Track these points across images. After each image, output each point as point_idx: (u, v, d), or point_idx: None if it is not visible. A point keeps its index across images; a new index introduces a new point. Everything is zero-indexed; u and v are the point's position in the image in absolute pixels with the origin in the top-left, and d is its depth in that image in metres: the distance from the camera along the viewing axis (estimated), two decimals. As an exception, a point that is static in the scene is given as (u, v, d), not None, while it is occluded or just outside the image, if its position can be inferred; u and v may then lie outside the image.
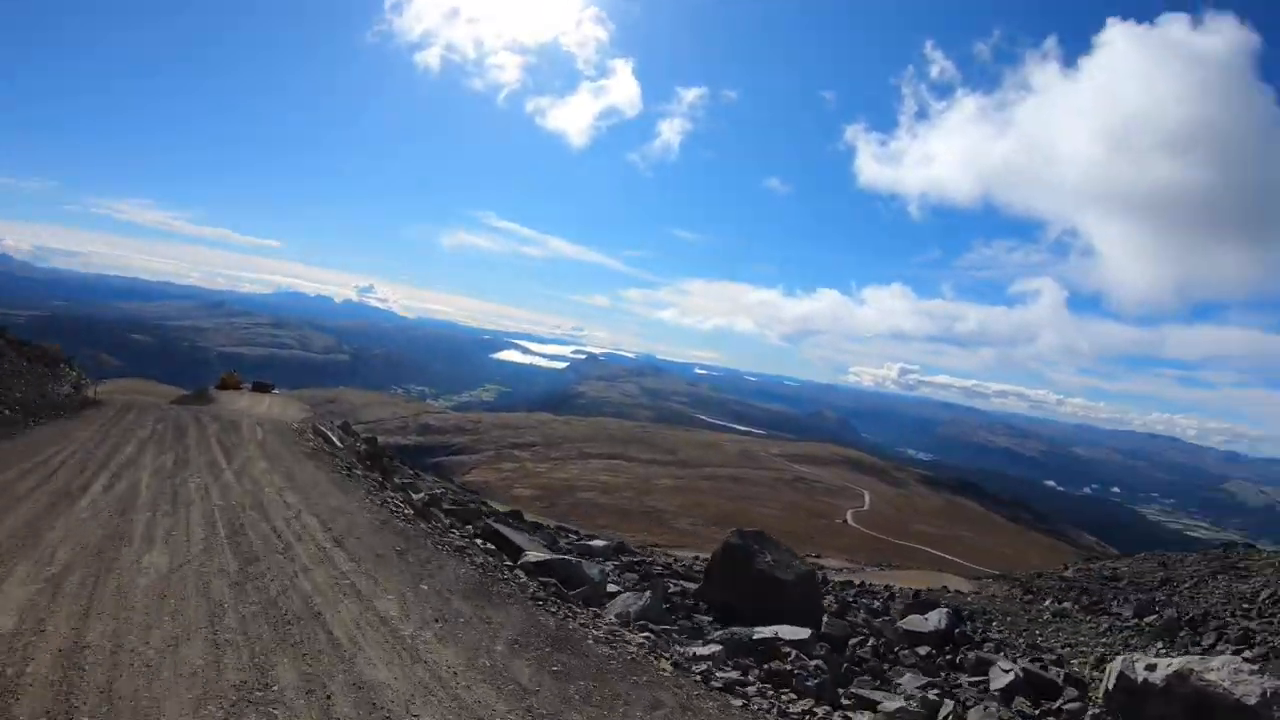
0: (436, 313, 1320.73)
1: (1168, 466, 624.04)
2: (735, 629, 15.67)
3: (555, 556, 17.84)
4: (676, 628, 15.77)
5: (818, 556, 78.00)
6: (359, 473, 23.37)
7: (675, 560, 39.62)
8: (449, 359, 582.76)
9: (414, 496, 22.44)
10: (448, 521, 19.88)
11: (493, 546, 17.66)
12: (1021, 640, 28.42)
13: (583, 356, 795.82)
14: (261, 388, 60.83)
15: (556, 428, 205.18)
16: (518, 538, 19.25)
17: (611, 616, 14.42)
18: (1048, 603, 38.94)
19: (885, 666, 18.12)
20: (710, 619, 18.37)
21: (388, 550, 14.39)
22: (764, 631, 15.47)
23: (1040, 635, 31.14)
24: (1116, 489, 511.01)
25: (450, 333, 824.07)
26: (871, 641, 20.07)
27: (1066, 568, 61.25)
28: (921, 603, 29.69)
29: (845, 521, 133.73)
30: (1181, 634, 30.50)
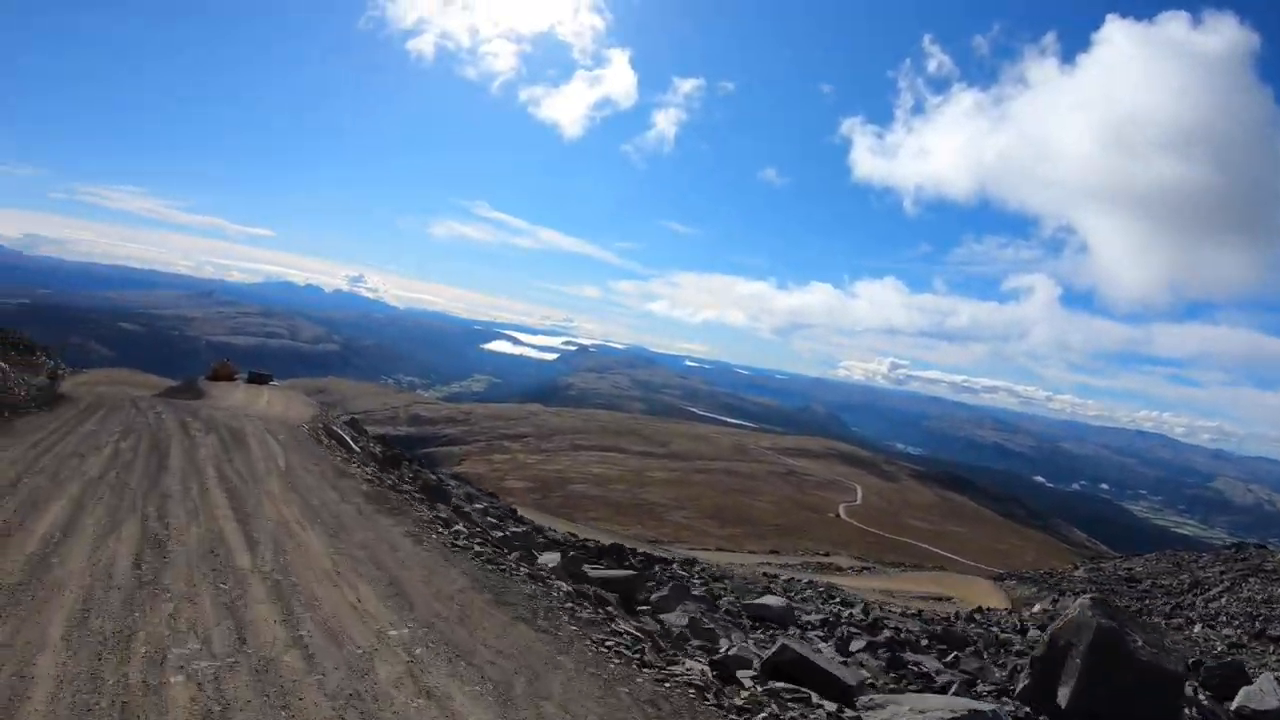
0: (427, 303, 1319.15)
1: (1156, 463, 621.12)
2: None
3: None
4: None
5: (826, 555, 76.24)
6: (493, 540, 17.07)
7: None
8: (439, 349, 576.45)
9: (543, 560, 16.89)
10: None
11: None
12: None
13: (573, 348, 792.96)
14: (258, 379, 55.42)
15: (548, 419, 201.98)
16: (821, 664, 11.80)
17: None
18: (1198, 629, 35.54)
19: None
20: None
21: None
22: None
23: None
24: (1105, 485, 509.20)
25: (440, 323, 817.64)
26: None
27: (1077, 567, 61.97)
28: (1227, 666, 23.73)
29: (838, 516, 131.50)
30: None
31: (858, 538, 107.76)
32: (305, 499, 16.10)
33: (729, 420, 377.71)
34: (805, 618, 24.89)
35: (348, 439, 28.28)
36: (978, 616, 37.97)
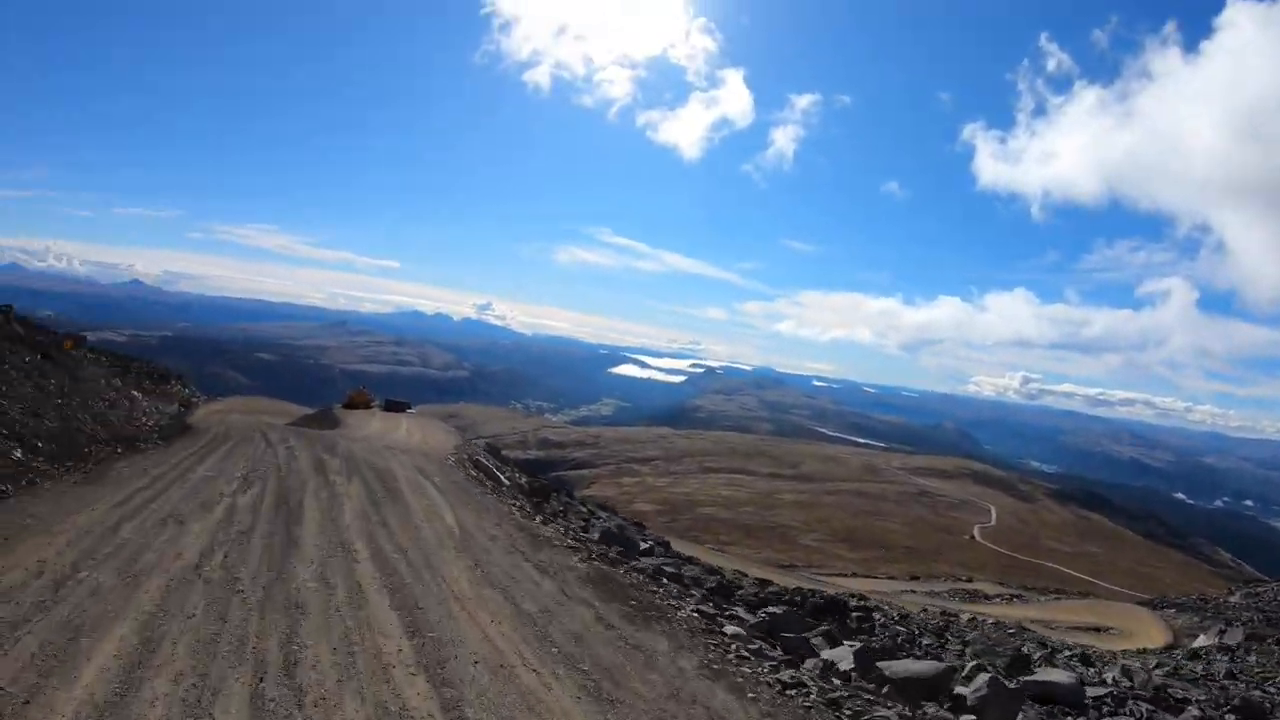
0: (553, 328, 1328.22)
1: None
2: None
3: None
4: None
5: (969, 580, 72.86)
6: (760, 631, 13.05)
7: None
8: (566, 374, 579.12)
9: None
10: None
11: None
12: None
13: (700, 370, 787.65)
14: (395, 407, 54.32)
15: (676, 442, 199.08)
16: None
17: None
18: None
19: None
20: None
21: None
22: None
23: None
24: (1249, 501, 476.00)
25: (567, 348, 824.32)
26: None
27: (1232, 592, 59.02)
28: None
29: (973, 538, 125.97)
30: None
31: (993, 560, 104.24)
32: (512, 598, 10.64)
33: (858, 440, 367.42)
34: (1090, 691, 19.13)
35: (495, 471, 26.70)
36: (1235, 670, 31.93)
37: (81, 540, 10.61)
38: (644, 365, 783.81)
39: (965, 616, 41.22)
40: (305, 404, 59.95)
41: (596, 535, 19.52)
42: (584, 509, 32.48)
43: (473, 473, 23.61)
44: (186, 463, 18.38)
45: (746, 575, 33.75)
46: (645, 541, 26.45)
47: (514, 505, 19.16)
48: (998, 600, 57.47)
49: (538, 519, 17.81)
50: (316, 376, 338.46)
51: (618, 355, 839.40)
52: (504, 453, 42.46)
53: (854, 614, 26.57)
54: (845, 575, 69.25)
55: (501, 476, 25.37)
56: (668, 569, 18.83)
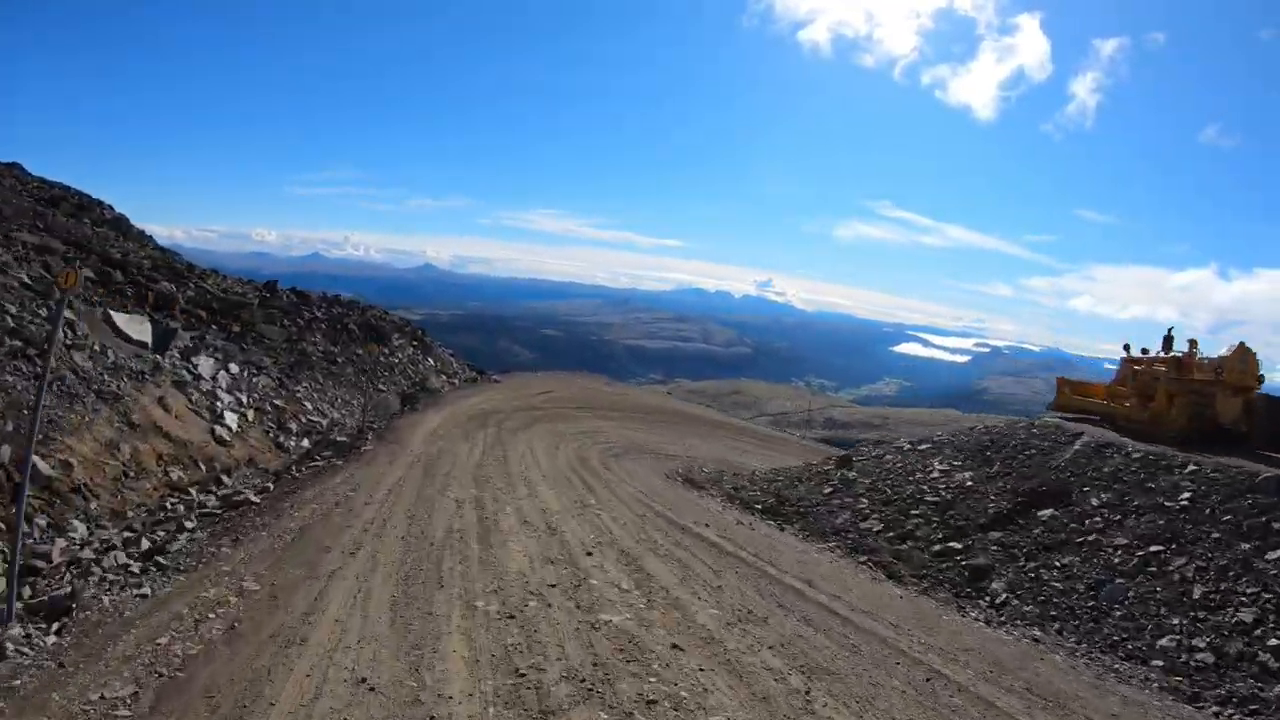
0: (834, 305, 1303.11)
1: None
2: None
3: None
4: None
5: None
6: None
7: None
8: (848, 351, 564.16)
9: None
10: None
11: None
12: None
13: (986, 350, 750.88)
14: None
15: (965, 425, 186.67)
16: None
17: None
18: None
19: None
20: None
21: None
22: None
23: None
24: None
25: (849, 325, 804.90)
26: None
27: None
28: None
29: None
30: None
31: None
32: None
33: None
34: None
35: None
36: None
37: None
38: (927, 344, 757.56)
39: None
40: (594, 372, 55.30)
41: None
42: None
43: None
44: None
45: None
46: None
47: None
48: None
49: None
50: (600, 351, 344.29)
51: (900, 333, 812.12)
52: (793, 433, 34.69)
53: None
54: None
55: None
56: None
